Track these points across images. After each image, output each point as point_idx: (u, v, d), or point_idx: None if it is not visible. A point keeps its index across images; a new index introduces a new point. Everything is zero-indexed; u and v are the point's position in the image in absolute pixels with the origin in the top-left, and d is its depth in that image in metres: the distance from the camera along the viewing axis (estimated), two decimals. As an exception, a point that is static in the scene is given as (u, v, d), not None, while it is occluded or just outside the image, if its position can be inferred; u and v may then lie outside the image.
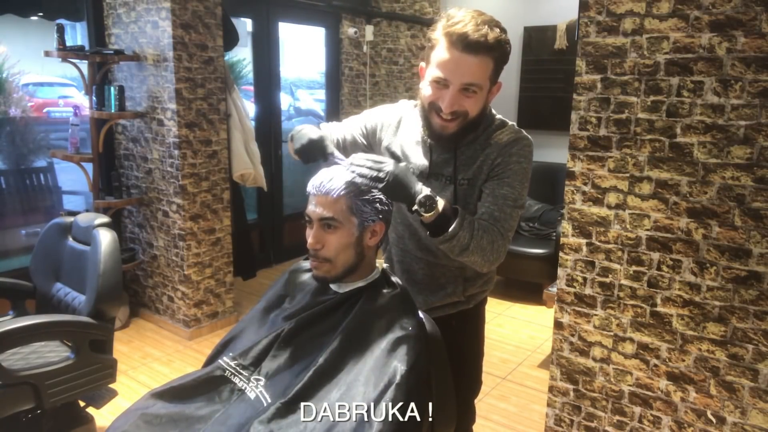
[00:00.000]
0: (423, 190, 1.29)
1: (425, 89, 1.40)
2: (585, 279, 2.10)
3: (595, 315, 2.09)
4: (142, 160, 3.65)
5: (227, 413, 1.25)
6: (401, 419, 1.15)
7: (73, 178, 4.08)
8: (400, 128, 1.59)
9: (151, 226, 3.68)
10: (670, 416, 1.99)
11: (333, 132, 1.65)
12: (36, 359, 2.16)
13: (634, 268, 1.99)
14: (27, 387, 2.00)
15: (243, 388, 1.30)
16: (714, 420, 1.92)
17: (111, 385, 2.29)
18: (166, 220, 3.56)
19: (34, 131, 4.49)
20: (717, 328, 1.87)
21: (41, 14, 3.83)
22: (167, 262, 3.63)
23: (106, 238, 2.23)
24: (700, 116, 1.81)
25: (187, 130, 3.39)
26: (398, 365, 1.20)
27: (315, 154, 1.43)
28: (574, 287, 2.12)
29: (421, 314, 1.38)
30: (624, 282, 2.01)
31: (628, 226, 1.98)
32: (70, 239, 2.46)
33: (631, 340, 2.03)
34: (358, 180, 1.28)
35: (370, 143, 1.65)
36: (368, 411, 1.15)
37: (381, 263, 1.48)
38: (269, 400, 1.25)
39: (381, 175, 1.26)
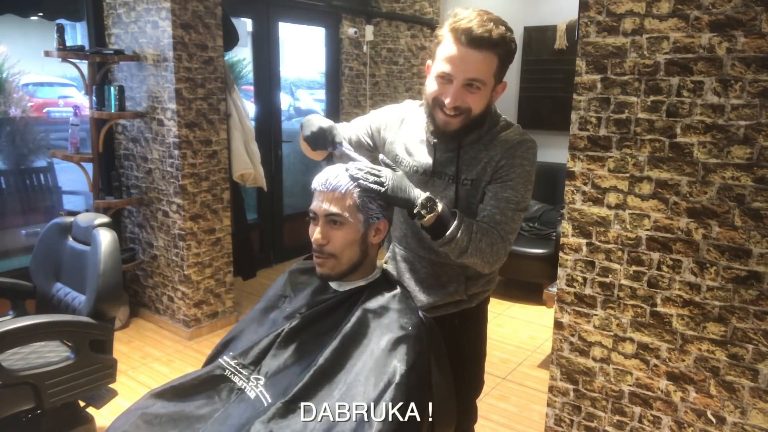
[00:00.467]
0: (422, 194, 1.33)
1: (430, 85, 1.42)
2: (585, 279, 2.10)
3: (595, 315, 2.09)
4: (142, 160, 3.65)
5: (227, 413, 1.25)
6: (401, 419, 1.15)
7: (73, 178, 4.08)
8: (404, 126, 1.60)
9: (151, 226, 3.68)
10: (670, 416, 2.00)
11: (342, 131, 1.65)
12: (36, 359, 2.16)
13: (634, 268, 1.99)
14: (27, 387, 2.00)
15: (243, 387, 1.30)
16: (714, 420, 1.92)
17: (111, 385, 2.29)
18: (166, 220, 3.56)
19: (34, 131, 4.49)
20: (717, 328, 1.87)
21: (41, 14, 3.83)
22: (167, 262, 3.63)
23: (106, 238, 2.23)
24: (700, 116, 1.81)
25: (187, 130, 3.39)
26: (398, 365, 1.20)
27: (324, 141, 1.45)
28: (574, 287, 2.12)
29: (421, 314, 1.38)
30: (624, 282, 2.01)
31: (628, 226, 1.98)
32: (70, 239, 2.46)
33: (631, 340, 2.03)
34: (358, 184, 1.30)
35: (375, 143, 1.66)
36: (368, 411, 1.16)
37: (382, 263, 1.48)
38: (269, 400, 1.25)
39: (381, 180, 1.30)
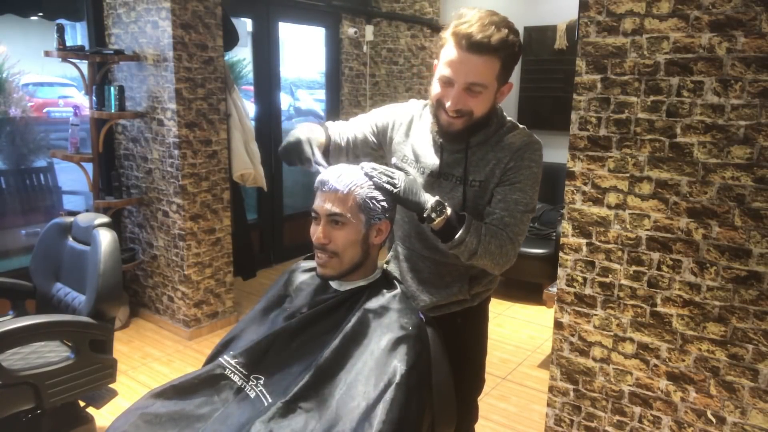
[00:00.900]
0: (432, 198, 1.35)
1: (434, 86, 1.42)
2: (585, 279, 2.10)
3: (595, 315, 2.09)
4: (142, 160, 3.65)
5: (227, 412, 1.25)
6: (401, 419, 1.15)
7: (73, 178, 4.08)
8: (412, 128, 1.60)
9: (151, 226, 3.68)
10: (670, 416, 2.00)
11: (341, 131, 1.65)
12: (36, 359, 2.16)
13: (634, 268, 1.99)
14: (27, 387, 2.00)
15: (243, 386, 1.30)
16: (714, 420, 1.92)
17: (111, 385, 2.29)
18: (166, 220, 3.56)
19: (34, 131, 4.49)
20: (717, 328, 1.87)
21: (41, 14, 3.83)
22: (167, 262, 3.63)
23: (106, 238, 2.23)
24: (700, 116, 1.81)
25: (187, 130, 3.39)
26: (398, 365, 1.20)
27: (293, 156, 1.44)
28: (574, 287, 2.12)
29: (421, 314, 1.38)
30: (624, 282, 2.01)
31: (628, 226, 1.98)
32: (70, 239, 2.46)
33: (631, 340, 2.03)
34: (373, 183, 1.31)
35: (380, 142, 1.65)
36: (368, 410, 1.16)
37: (382, 263, 1.48)
38: (269, 400, 1.25)
39: (394, 181, 1.31)
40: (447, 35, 1.37)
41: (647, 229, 1.95)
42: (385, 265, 1.61)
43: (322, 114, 5.76)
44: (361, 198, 1.30)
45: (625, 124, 1.94)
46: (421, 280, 1.59)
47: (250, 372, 1.32)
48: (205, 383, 1.32)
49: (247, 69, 5.73)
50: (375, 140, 1.65)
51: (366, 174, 1.32)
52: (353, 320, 1.30)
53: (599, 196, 2.02)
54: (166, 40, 3.28)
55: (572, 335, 2.15)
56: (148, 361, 3.31)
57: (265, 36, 4.64)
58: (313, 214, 1.34)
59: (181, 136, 3.37)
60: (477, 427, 1.79)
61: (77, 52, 3.30)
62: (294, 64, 6.26)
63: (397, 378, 1.18)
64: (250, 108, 4.54)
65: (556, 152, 4.48)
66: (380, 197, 1.33)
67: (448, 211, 1.35)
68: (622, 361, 2.06)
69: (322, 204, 1.31)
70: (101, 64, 3.48)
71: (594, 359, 2.12)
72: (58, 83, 5.83)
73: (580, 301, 2.12)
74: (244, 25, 4.86)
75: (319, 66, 5.47)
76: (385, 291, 1.36)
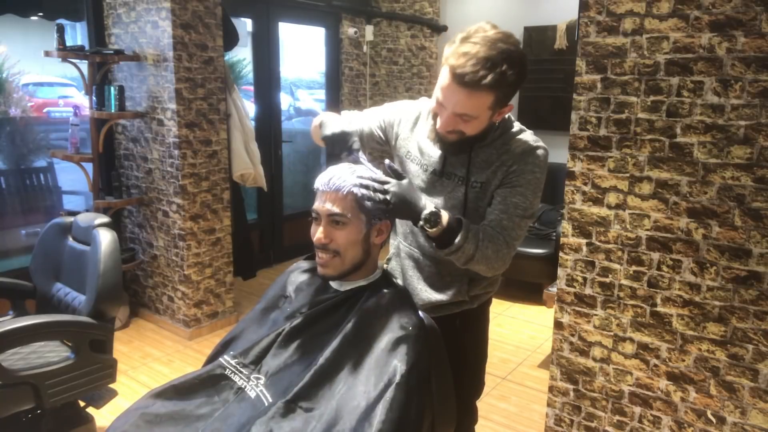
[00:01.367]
0: (427, 206, 1.32)
1: (434, 96, 1.39)
2: (585, 279, 2.10)
3: (595, 315, 2.09)
4: (142, 160, 3.65)
5: (227, 412, 1.25)
6: (401, 419, 1.15)
7: (73, 178, 4.08)
8: (418, 124, 1.59)
9: (151, 226, 3.68)
10: (670, 416, 2.00)
11: (352, 121, 1.65)
12: (36, 359, 2.16)
13: (634, 268, 1.99)
14: (27, 387, 2.00)
15: (243, 386, 1.30)
16: (714, 420, 1.92)
17: (111, 385, 2.29)
18: (166, 220, 3.56)
19: (34, 131, 4.49)
20: (717, 328, 1.87)
21: (41, 14, 3.83)
22: (167, 262, 3.63)
23: (106, 238, 2.23)
24: (700, 116, 1.81)
25: (187, 130, 3.39)
26: (398, 365, 1.20)
27: (342, 146, 1.44)
28: (574, 287, 2.12)
29: (421, 314, 1.38)
30: (624, 282, 2.01)
31: (628, 226, 1.98)
32: (70, 239, 2.46)
33: (631, 340, 2.03)
34: (366, 199, 1.30)
35: (387, 137, 1.65)
36: (368, 410, 1.16)
37: (382, 263, 1.48)
38: (270, 399, 1.25)
39: (387, 196, 1.30)
40: (445, 57, 1.32)
41: (647, 229, 1.95)
42: (385, 265, 1.61)
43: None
44: (361, 198, 1.30)
45: (625, 124, 1.94)
46: (422, 277, 1.59)
47: (251, 372, 1.32)
48: (205, 383, 1.32)
49: (247, 69, 5.72)
50: (381, 135, 1.65)
51: (360, 185, 1.30)
52: (353, 320, 1.30)
53: (599, 196, 2.02)
54: (166, 40, 3.28)
55: (572, 335, 2.15)
56: (148, 361, 3.31)
57: (265, 36, 4.64)
58: (313, 215, 1.34)
59: (181, 136, 3.37)
60: (477, 427, 1.79)
61: (77, 52, 3.30)
62: (294, 64, 6.26)
63: (397, 378, 1.18)
64: (250, 108, 4.54)
65: (556, 152, 4.47)
66: (380, 197, 1.33)
67: (444, 220, 1.31)
68: (622, 361, 2.06)
69: (322, 204, 1.31)
70: (101, 64, 3.48)
71: (594, 359, 2.12)
72: (58, 83, 5.83)
73: (580, 301, 2.12)
74: (244, 25, 4.86)
75: (319, 66, 5.47)
76: (385, 291, 1.36)
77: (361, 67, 5.49)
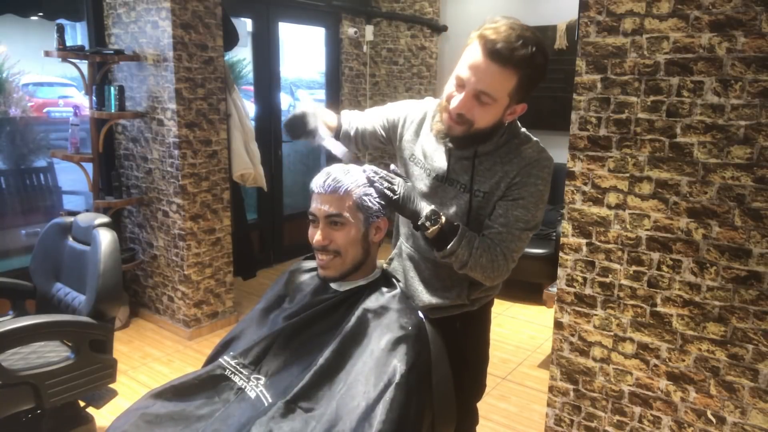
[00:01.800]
0: (427, 207, 1.33)
1: (448, 84, 1.39)
2: (585, 279, 2.10)
3: (595, 315, 2.09)
4: (142, 160, 3.65)
5: (227, 412, 1.26)
6: (401, 419, 1.15)
7: (73, 178, 4.08)
8: (424, 127, 1.57)
9: (151, 226, 3.68)
10: (670, 416, 2.00)
11: (352, 120, 1.65)
12: (36, 359, 2.16)
13: (634, 268, 1.99)
14: (27, 387, 2.00)
15: (243, 387, 1.30)
16: (714, 420, 1.92)
17: (111, 385, 2.29)
18: (166, 220, 3.56)
19: (34, 131, 4.49)
20: (717, 328, 1.87)
21: (41, 14, 3.83)
22: (167, 262, 3.63)
23: (106, 238, 2.23)
24: (700, 116, 1.81)
25: (187, 130, 3.39)
26: (398, 365, 1.20)
27: (298, 129, 1.46)
28: (574, 287, 2.12)
29: (421, 314, 1.38)
30: (624, 282, 2.01)
31: (628, 226, 1.98)
32: (70, 239, 2.46)
33: (631, 340, 2.03)
34: (372, 193, 1.31)
35: (389, 136, 1.64)
36: (368, 410, 1.16)
37: (382, 263, 1.48)
38: (270, 400, 1.25)
39: (394, 187, 1.30)
40: (474, 35, 1.33)
41: (647, 229, 1.95)
42: (385, 264, 1.61)
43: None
44: (358, 197, 1.30)
45: (625, 124, 1.94)
46: (422, 279, 1.58)
47: (250, 372, 1.32)
48: (205, 384, 1.32)
49: (247, 69, 5.73)
50: (384, 134, 1.64)
51: (368, 178, 1.32)
52: (353, 320, 1.30)
53: (599, 196, 2.02)
54: (166, 40, 3.28)
55: (572, 335, 2.15)
56: (148, 361, 3.31)
57: (265, 36, 4.64)
58: (310, 217, 1.34)
59: (181, 136, 3.37)
60: (477, 427, 1.79)
61: (77, 52, 3.30)
62: (294, 64, 6.25)
63: (397, 378, 1.18)
64: (250, 108, 4.54)
65: (556, 152, 4.46)
66: (388, 186, 1.33)
67: (443, 220, 1.32)
68: (622, 361, 2.06)
69: (319, 206, 1.31)
70: (101, 64, 3.48)
71: (594, 359, 2.12)
72: (58, 83, 5.83)
73: (580, 301, 2.12)
74: (244, 25, 4.86)
75: (319, 66, 5.47)
76: (384, 290, 1.36)
77: (361, 67, 5.49)
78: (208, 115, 3.49)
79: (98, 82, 3.46)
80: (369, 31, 5.32)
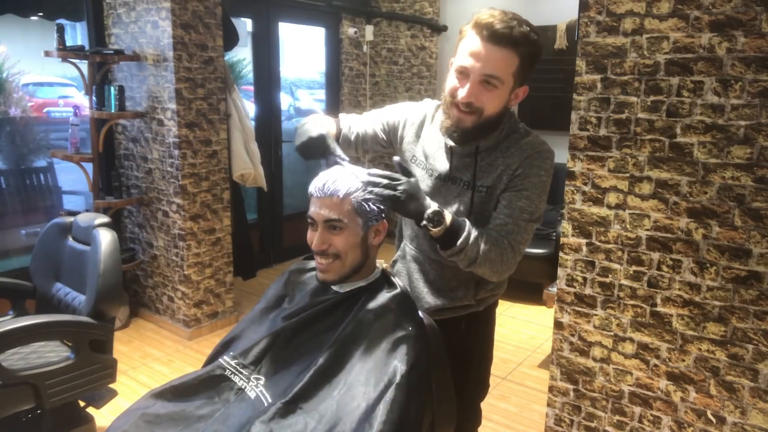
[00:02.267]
0: (431, 206, 1.31)
1: (450, 80, 1.40)
2: (585, 279, 2.10)
3: (595, 315, 2.09)
4: (142, 160, 3.65)
5: (227, 412, 1.25)
6: (401, 419, 1.15)
7: (73, 178, 4.08)
8: (424, 128, 1.58)
9: (151, 226, 3.68)
10: (670, 416, 2.00)
11: (351, 124, 1.64)
12: (36, 359, 2.16)
13: (634, 268, 1.99)
14: (27, 387, 2.00)
15: (243, 387, 1.30)
16: (714, 420, 1.92)
17: (111, 385, 2.29)
18: (166, 220, 3.56)
19: (34, 131, 4.49)
20: (717, 328, 1.87)
21: (41, 14, 3.83)
22: (167, 262, 3.63)
23: (106, 238, 2.23)
24: (700, 116, 1.81)
25: (187, 130, 3.39)
26: (398, 365, 1.20)
27: (314, 152, 1.43)
28: (574, 287, 2.12)
29: (421, 314, 1.38)
30: (624, 282, 2.01)
31: (628, 226, 1.98)
32: (70, 239, 2.46)
33: (631, 340, 2.03)
34: (374, 192, 1.29)
35: (390, 139, 1.64)
36: (368, 411, 1.15)
37: (381, 263, 1.48)
38: (269, 400, 1.25)
39: (397, 194, 1.28)
40: (467, 27, 1.36)
41: (647, 229, 1.95)
42: (385, 265, 1.61)
43: (322, 114, 5.75)
44: (356, 201, 1.30)
45: (625, 124, 1.94)
46: (427, 281, 1.57)
47: (250, 372, 1.32)
48: (205, 384, 1.32)
49: (247, 69, 5.72)
50: (385, 137, 1.64)
51: (370, 182, 1.29)
52: (353, 320, 1.30)
53: (599, 196, 2.02)
54: (166, 40, 3.28)
55: (572, 335, 2.15)
56: (148, 361, 3.31)
57: (265, 36, 4.64)
58: (309, 221, 1.34)
59: (181, 136, 3.37)
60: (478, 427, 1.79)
61: (77, 52, 3.30)
62: (294, 64, 6.25)
63: (398, 378, 1.18)
64: (250, 108, 4.54)
65: (556, 152, 4.47)
66: (376, 199, 1.32)
67: (447, 220, 1.31)
68: (622, 361, 2.06)
69: (318, 210, 1.31)
70: (101, 64, 3.48)
71: (594, 359, 2.12)
72: (58, 83, 5.82)
73: (580, 301, 2.12)
74: (244, 25, 4.86)
75: (319, 66, 5.47)
76: (384, 291, 1.36)
77: (361, 67, 5.49)
78: (208, 115, 3.49)
79: (98, 82, 3.47)
80: (369, 31, 5.32)
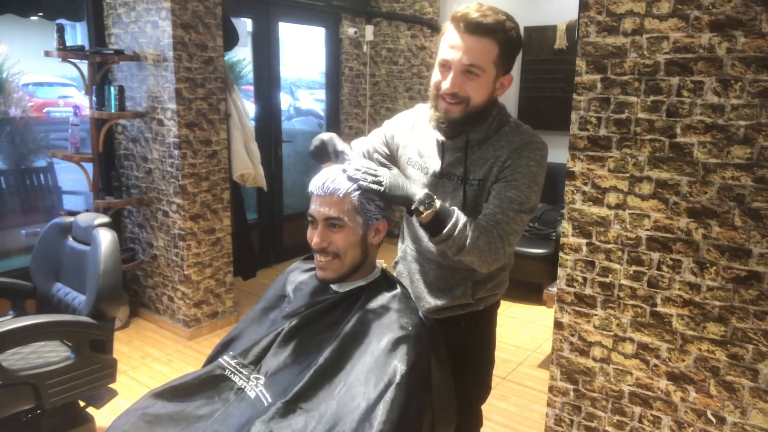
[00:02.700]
0: (421, 191, 1.34)
1: (434, 75, 1.42)
2: (585, 279, 2.10)
3: (595, 315, 2.09)
4: (142, 160, 3.65)
5: (227, 412, 1.26)
6: (401, 419, 1.15)
7: (73, 178, 4.08)
8: (415, 129, 1.61)
9: (151, 226, 3.68)
10: (670, 416, 2.00)
11: (356, 146, 1.69)
12: (36, 359, 2.16)
13: (634, 268, 1.99)
14: (27, 387, 2.00)
15: (243, 386, 1.30)
16: (714, 420, 1.92)
17: (111, 385, 2.29)
18: (166, 220, 3.56)
19: (34, 131, 4.49)
20: (717, 328, 1.87)
21: (41, 14, 3.82)
22: (167, 262, 3.63)
23: (106, 238, 2.23)
24: (700, 116, 1.81)
25: (187, 130, 3.39)
26: (398, 365, 1.20)
27: (325, 152, 1.47)
28: (574, 287, 2.12)
29: (421, 314, 1.38)
30: (624, 282, 2.01)
31: (628, 226, 1.98)
32: (70, 239, 2.46)
33: (631, 340, 2.03)
34: (359, 186, 1.31)
35: (391, 150, 1.68)
36: (368, 411, 1.15)
37: (381, 263, 1.48)
38: (269, 400, 1.25)
39: (379, 179, 1.30)
40: (446, 24, 1.40)
41: (647, 229, 1.95)
42: (384, 264, 1.61)
43: (322, 114, 5.75)
44: (356, 200, 1.30)
45: (625, 124, 1.94)
46: (426, 282, 1.59)
47: (250, 372, 1.32)
48: (205, 384, 1.32)
49: (247, 69, 5.72)
50: (386, 150, 1.68)
51: (349, 177, 1.31)
52: (353, 320, 1.30)
53: (599, 196, 2.02)
54: (166, 40, 3.28)
55: (572, 335, 2.15)
56: (148, 361, 3.31)
57: (265, 36, 4.64)
58: (309, 219, 1.34)
59: (181, 136, 3.37)
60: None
61: (77, 52, 3.30)
62: (294, 64, 6.25)
63: (398, 378, 1.18)
64: (250, 108, 4.54)
65: (556, 152, 4.45)
66: (376, 198, 1.33)
67: (437, 204, 1.33)
68: (622, 361, 2.06)
69: (318, 208, 1.31)
70: (101, 64, 3.48)
71: (594, 359, 2.12)
72: (58, 83, 5.82)
73: (580, 301, 2.12)
74: (244, 25, 4.86)
75: (319, 66, 5.47)
76: (384, 291, 1.36)
77: (361, 67, 5.49)
78: (208, 115, 3.49)
79: (98, 82, 3.46)
80: (369, 31, 5.32)
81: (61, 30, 3.23)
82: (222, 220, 3.68)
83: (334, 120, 5.41)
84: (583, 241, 2.08)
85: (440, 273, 1.56)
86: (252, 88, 4.86)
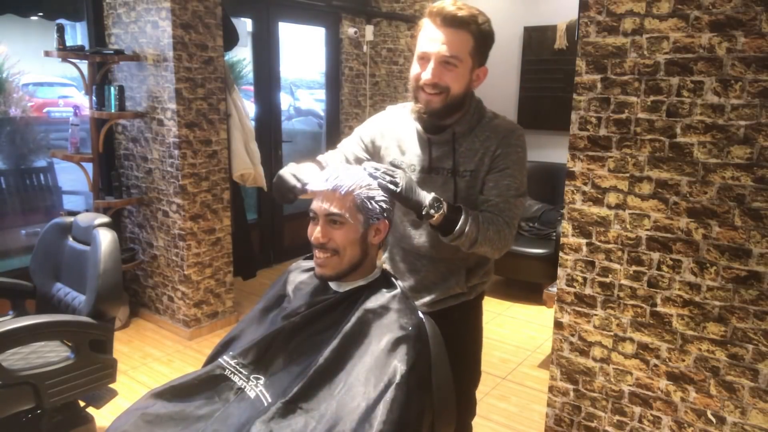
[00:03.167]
0: (428, 195, 1.39)
1: (413, 68, 1.48)
2: (585, 279, 2.10)
3: (595, 315, 2.09)
4: (142, 160, 3.65)
5: (227, 412, 1.25)
6: (401, 419, 1.15)
7: (73, 178, 4.08)
8: (396, 130, 1.63)
9: (151, 226, 3.68)
10: (670, 416, 2.00)
11: (329, 159, 1.66)
12: (36, 359, 2.15)
13: (634, 268, 1.99)
14: (27, 387, 2.00)
15: (243, 386, 1.30)
16: (714, 420, 1.92)
17: (111, 385, 2.29)
18: (166, 220, 3.56)
19: (34, 131, 4.49)
20: (717, 328, 1.87)
21: (41, 14, 3.83)
22: (167, 262, 3.63)
23: (106, 238, 2.23)
24: (700, 116, 1.81)
25: (187, 130, 3.39)
26: (398, 365, 1.20)
27: (282, 192, 1.46)
28: (574, 287, 2.12)
29: (421, 314, 1.38)
30: (624, 282, 2.01)
31: (628, 226, 1.98)
32: (70, 239, 2.46)
33: (631, 340, 2.03)
34: (377, 183, 1.33)
35: (373, 156, 1.69)
36: (368, 411, 1.15)
37: (382, 263, 1.48)
38: (269, 400, 1.25)
39: (396, 180, 1.33)
40: (423, 20, 1.48)
41: (647, 229, 1.95)
42: (384, 264, 1.62)
43: (322, 114, 5.75)
44: (359, 198, 1.31)
45: (625, 124, 1.94)
46: (419, 278, 1.62)
47: (250, 372, 1.32)
48: (205, 384, 1.32)
49: (247, 69, 5.72)
50: (367, 156, 1.68)
51: (370, 174, 1.33)
52: (353, 320, 1.30)
53: (599, 196, 2.02)
54: (166, 40, 3.28)
55: (572, 335, 2.15)
56: (148, 361, 3.31)
57: (265, 36, 4.64)
58: (311, 214, 1.35)
59: (181, 136, 3.37)
60: (477, 427, 1.79)
61: (77, 52, 3.30)
62: (294, 64, 6.25)
63: (398, 378, 1.18)
64: (250, 108, 4.54)
65: (556, 152, 4.48)
66: (378, 197, 1.33)
67: (446, 206, 1.39)
68: (622, 361, 2.06)
69: (320, 204, 1.32)
70: (101, 64, 3.48)
71: (594, 359, 2.12)
72: (58, 83, 5.83)
73: (580, 301, 2.12)
74: (244, 25, 4.86)
75: (319, 66, 5.47)
76: (384, 291, 1.36)
77: (361, 67, 5.49)
78: (208, 115, 3.49)
79: (98, 82, 3.47)
80: (369, 31, 5.32)
81: (61, 30, 3.23)
82: (222, 220, 3.68)
83: (333, 120, 5.41)
84: (583, 241, 2.08)
85: (434, 267, 1.61)
86: (252, 88, 4.86)
